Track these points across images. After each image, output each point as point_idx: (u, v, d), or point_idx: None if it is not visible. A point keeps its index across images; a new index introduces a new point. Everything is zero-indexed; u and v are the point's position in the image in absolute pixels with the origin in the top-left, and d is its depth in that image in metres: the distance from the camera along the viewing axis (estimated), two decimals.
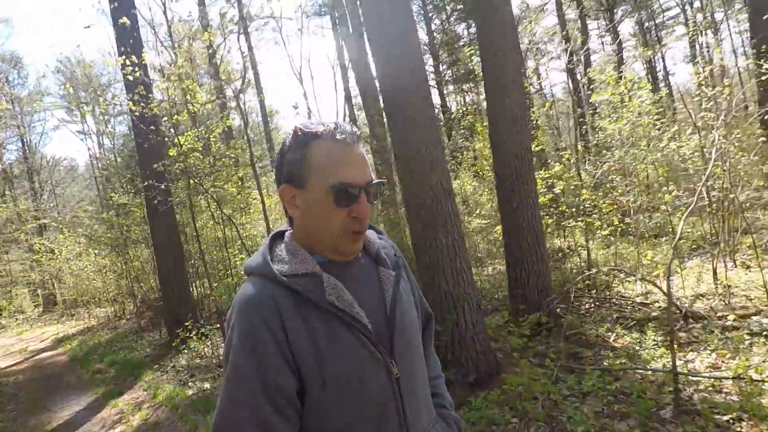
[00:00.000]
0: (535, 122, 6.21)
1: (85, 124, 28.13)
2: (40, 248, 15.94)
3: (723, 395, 2.60)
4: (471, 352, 3.32)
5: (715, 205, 4.74)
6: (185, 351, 6.12)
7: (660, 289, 4.39)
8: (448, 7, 23.92)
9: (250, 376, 0.77)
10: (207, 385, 4.70)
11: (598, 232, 5.97)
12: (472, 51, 8.26)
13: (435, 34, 23.75)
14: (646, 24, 20.44)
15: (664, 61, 20.32)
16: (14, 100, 24.75)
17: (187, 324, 6.29)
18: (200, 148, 6.68)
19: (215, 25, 18.12)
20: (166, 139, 6.82)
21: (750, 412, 2.31)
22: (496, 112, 4.08)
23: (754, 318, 3.53)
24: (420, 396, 0.94)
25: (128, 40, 6.69)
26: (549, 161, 6.13)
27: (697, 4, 19.48)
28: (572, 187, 5.20)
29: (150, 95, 6.17)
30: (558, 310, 4.30)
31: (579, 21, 18.50)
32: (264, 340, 0.78)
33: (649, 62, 20.36)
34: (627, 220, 5.66)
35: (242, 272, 5.89)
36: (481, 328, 3.43)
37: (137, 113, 5.43)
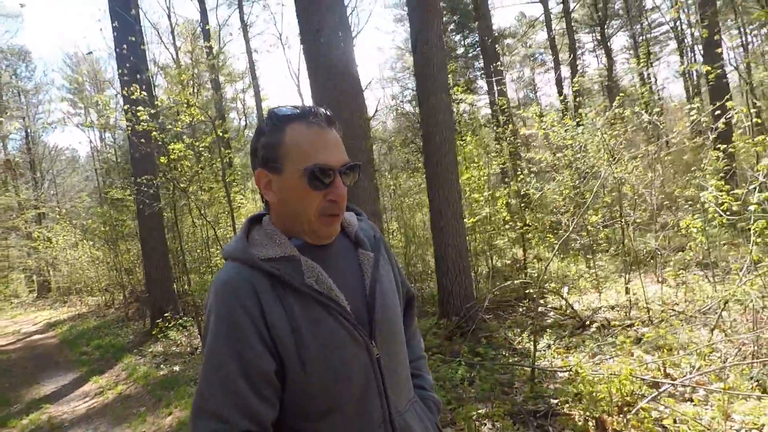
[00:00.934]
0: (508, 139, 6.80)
1: (88, 117, 28.97)
2: (38, 236, 16.66)
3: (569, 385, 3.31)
4: None
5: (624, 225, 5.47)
6: (163, 339, 6.83)
7: (564, 298, 5.14)
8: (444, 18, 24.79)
9: (228, 358, 0.78)
10: (177, 368, 5.40)
11: (537, 247, 6.74)
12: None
13: None
14: (640, 38, 20.94)
15: (654, 77, 20.91)
16: (21, 92, 25.56)
17: (166, 315, 7.02)
18: (190, 156, 7.39)
19: (217, 29, 18.97)
20: (159, 144, 7.53)
21: (573, 397, 3.01)
22: (429, 149, 4.81)
23: (638, 327, 4.23)
24: (401, 375, 0.95)
25: (126, 38, 7.25)
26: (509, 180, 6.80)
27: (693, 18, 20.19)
28: (508, 204, 5.92)
29: (145, 107, 6.88)
30: (485, 316, 5.03)
31: (567, 36, 18.86)
32: (241, 322, 0.79)
33: (641, 75, 20.86)
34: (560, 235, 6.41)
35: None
36: None
37: (130, 129, 6.13)
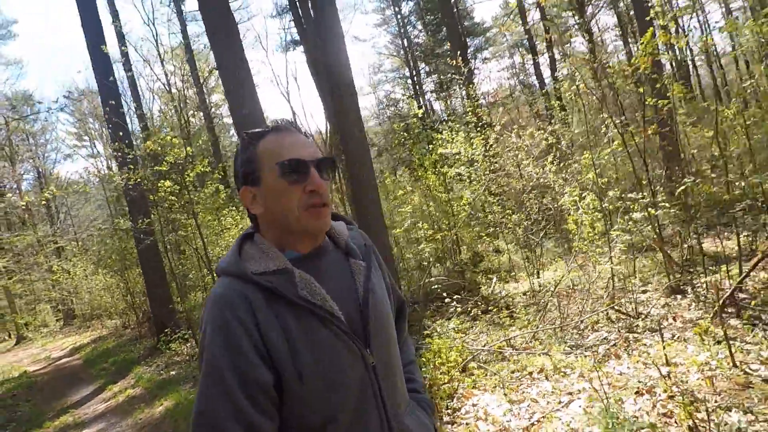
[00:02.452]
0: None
1: (94, 148, 30.70)
2: (57, 270, 18.24)
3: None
4: None
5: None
6: (166, 351, 8.12)
7: (489, 286, 6.23)
8: (419, 22, 25.83)
9: (225, 371, 0.79)
10: (173, 373, 6.66)
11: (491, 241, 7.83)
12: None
13: (413, 46, 25.69)
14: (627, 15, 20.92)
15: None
16: (28, 135, 27.29)
17: (167, 330, 8.32)
18: (176, 190, 8.63)
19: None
20: (148, 185, 8.79)
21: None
22: (349, 159, 5.72)
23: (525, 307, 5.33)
24: (397, 382, 0.98)
25: (109, 98, 8.62)
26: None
27: None
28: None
29: (127, 159, 8.14)
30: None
31: (542, 24, 19.08)
32: (237, 335, 0.80)
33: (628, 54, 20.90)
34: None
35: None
36: None
37: (123, 180, 7.40)
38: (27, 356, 14.16)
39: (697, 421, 2.01)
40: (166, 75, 19.80)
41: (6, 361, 13.75)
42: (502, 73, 29.19)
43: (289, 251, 0.91)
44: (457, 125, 7.31)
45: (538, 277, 6.19)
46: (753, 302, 3.11)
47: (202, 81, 20.46)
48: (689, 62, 14.58)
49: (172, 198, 8.42)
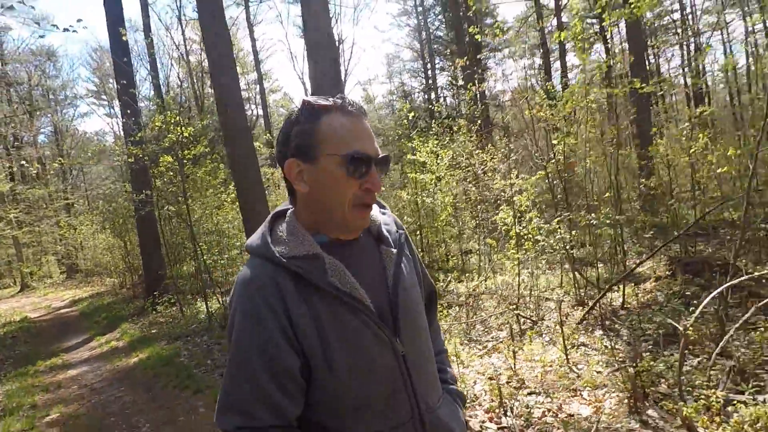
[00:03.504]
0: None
1: (112, 108, 31.55)
2: (64, 225, 19.23)
3: None
4: None
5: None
6: (152, 313, 8.94)
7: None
8: (440, 15, 26.11)
9: (252, 354, 0.81)
10: (154, 331, 7.46)
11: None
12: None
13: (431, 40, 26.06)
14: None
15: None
16: (49, 90, 28.18)
17: (155, 294, 9.13)
18: (176, 167, 9.33)
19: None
20: (151, 158, 9.52)
21: None
22: (233, 158, 6.14)
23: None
24: (428, 372, 0.97)
25: (122, 77, 9.35)
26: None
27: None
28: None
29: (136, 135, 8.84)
30: None
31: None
32: (266, 319, 0.81)
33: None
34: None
35: (196, 264, 8.61)
36: None
37: (131, 156, 8.13)
38: (29, 303, 15.20)
39: (504, 398, 2.69)
40: (185, 42, 20.42)
41: (9, 306, 14.80)
42: (521, 73, 29.38)
43: (319, 235, 0.89)
44: (432, 131, 7.90)
45: (486, 280, 6.84)
46: (617, 317, 3.75)
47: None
48: (706, 82, 14.74)
49: (170, 173, 9.10)
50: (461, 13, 16.81)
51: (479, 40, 20.50)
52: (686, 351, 2.66)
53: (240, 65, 24.73)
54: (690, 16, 21.53)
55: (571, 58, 19.44)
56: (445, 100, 27.76)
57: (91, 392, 4.86)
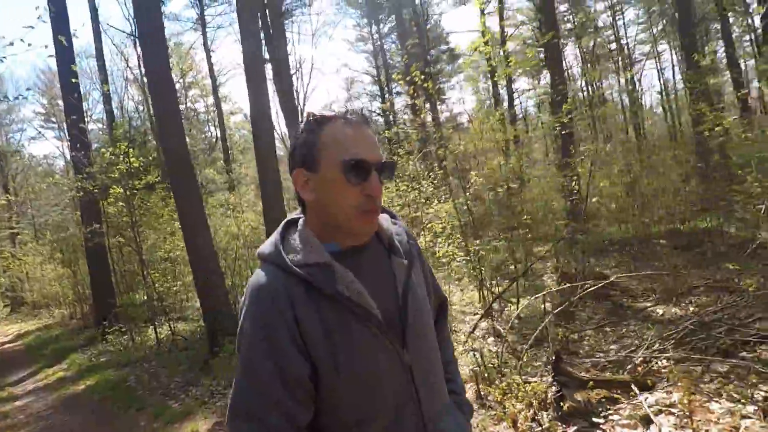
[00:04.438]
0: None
1: (62, 132, 30.69)
2: (7, 256, 18.57)
3: None
4: None
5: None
6: (102, 342, 9.05)
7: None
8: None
9: (263, 360, 0.82)
10: (103, 359, 7.65)
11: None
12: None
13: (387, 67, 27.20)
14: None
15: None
16: None
17: (104, 322, 9.25)
18: (125, 197, 9.56)
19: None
20: (100, 190, 9.72)
21: None
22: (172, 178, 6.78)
23: None
24: (434, 383, 0.97)
25: (72, 112, 9.61)
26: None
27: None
28: None
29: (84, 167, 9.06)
30: None
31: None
32: (276, 325, 0.82)
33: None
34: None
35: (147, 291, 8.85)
36: None
37: (80, 191, 8.38)
38: None
39: None
40: (140, 63, 20.50)
41: None
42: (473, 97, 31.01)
43: (330, 244, 0.91)
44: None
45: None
46: (507, 327, 4.47)
47: (181, 76, 21.42)
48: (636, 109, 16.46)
49: (120, 204, 9.31)
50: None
51: (429, 71, 21.87)
52: (554, 350, 3.38)
53: (198, 88, 25.07)
54: (626, 47, 23.83)
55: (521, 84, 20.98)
56: (404, 123, 28.92)
57: (38, 419, 5.12)
